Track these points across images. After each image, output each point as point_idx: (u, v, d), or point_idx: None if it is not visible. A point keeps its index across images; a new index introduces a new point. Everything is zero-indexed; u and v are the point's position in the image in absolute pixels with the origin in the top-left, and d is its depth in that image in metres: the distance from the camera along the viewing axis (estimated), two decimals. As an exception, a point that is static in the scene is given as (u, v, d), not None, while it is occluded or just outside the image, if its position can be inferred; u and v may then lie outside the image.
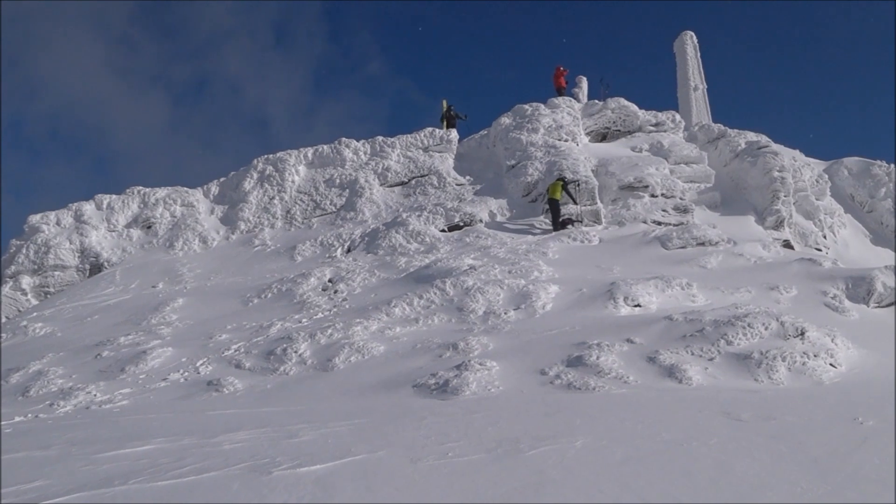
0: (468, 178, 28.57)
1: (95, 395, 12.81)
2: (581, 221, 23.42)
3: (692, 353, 11.71)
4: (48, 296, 26.61)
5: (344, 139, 31.12)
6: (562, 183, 23.53)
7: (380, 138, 31.00)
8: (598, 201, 24.42)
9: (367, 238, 24.72)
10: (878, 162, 33.90)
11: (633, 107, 31.38)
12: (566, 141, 28.41)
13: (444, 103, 33.60)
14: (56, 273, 27.53)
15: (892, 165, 33.32)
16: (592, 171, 25.64)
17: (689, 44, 42.03)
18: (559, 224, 23.18)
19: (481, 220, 24.74)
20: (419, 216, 24.86)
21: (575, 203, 23.81)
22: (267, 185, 29.78)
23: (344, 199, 28.54)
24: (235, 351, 14.85)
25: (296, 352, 14.17)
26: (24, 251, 27.80)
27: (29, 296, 27.00)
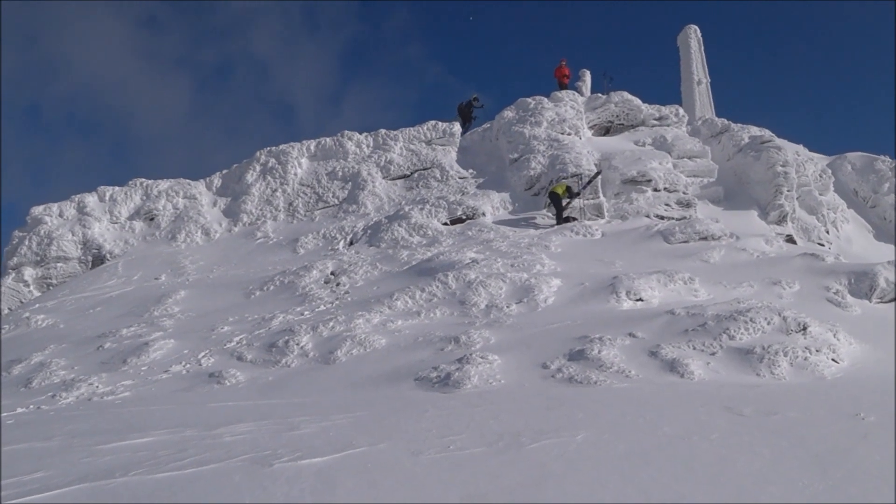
0: (471, 171, 28.54)
1: (97, 387, 12.83)
2: (577, 220, 23.37)
3: (694, 348, 11.69)
4: (50, 287, 26.65)
5: (346, 132, 31.13)
6: (567, 186, 23.52)
7: (382, 131, 30.99)
8: (601, 195, 24.39)
9: (369, 231, 24.71)
10: (882, 157, 33.85)
11: (637, 101, 31.32)
12: (569, 135, 28.40)
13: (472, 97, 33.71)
14: (58, 264, 27.56)
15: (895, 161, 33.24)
16: (595, 164, 25.60)
17: (693, 38, 41.89)
18: (562, 218, 23.17)
19: (484, 214, 24.73)
20: (422, 209, 24.85)
21: (577, 194, 23.76)
22: (269, 178, 29.79)
23: (346, 191, 28.53)
24: (237, 343, 14.85)
25: (297, 344, 14.17)
26: (26, 242, 27.82)
27: (31, 287, 27.03)
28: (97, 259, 27.49)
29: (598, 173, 24.56)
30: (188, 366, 13.83)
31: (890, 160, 33.41)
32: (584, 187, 23.94)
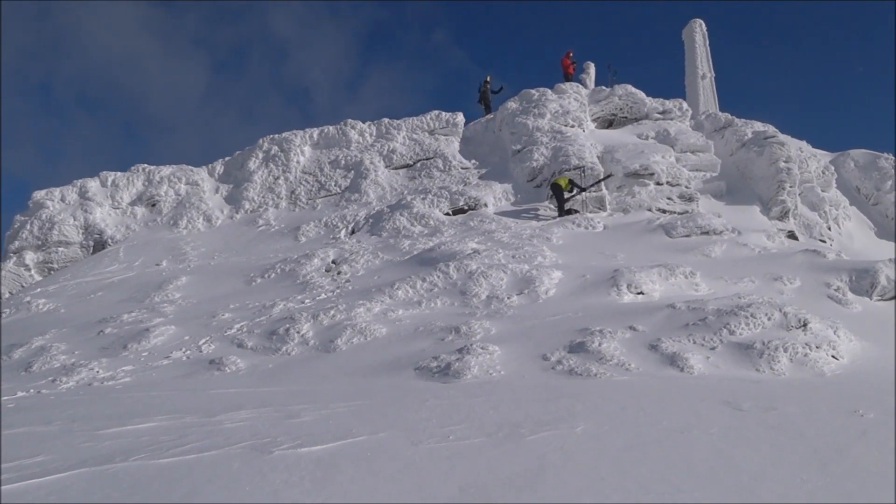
0: (473, 161, 28.54)
1: (98, 372, 12.84)
2: (578, 212, 23.34)
3: (694, 342, 11.71)
4: (52, 272, 26.67)
5: (350, 120, 31.12)
6: (570, 179, 23.49)
7: (385, 120, 30.97)
8: (604, 188, 24.38)
9: (371, 220, 24.71)
10: (885, 155, 33.80)
11: (641, 94, 31.29)
12: (572, 127, 28.39)
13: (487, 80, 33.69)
14: (60, 249, 27.59)
15: None
16: (598, 157, 25.59)
17: (699, 32, 41.83)
18: (564, 210, 23.17)
19: (486, 205, 24.72)
20: (424, 199, 24.85)
21: (582, 190, 23.74)
22: (272, 165, 29.79)
23: (349, 180, 28.53)
24: (238, 330, 14.87)
25: (298, 332, 14.19)
26: (28, 227, 27.85)
27: (32, 271, 27.07)
28: (98, 244, 27.52)
29: (608, 175, 24.55)
30: (189, 352, 13.85)
31: (893, 158, 33.36)
32: (592, 186, 23.91)
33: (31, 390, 11.64)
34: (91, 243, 27.71)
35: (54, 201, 28.77)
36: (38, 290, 21.94)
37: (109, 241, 27.33)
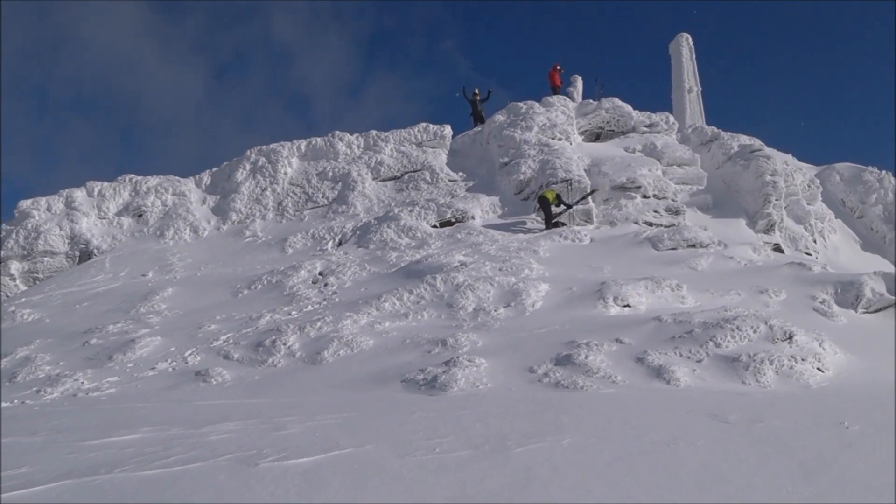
0: (461, 174, 28.58)
1: (83, 383, 12.78)
2: (565, 225, 23.38)
3: (680, 355, 11.75)
4: (37, 282, 26.52)
5: (338, 132, 31.09)
6: (557, 194, 23.54)
7: (373, 132, 30.96)
8: (591, 201, 24.45)
9: (358, 232, 24.70)
10: (870, 168, 34.10)
11: (628, 107, 31.44)
12: (560, 140, 28.47)
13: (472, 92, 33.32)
14: (45, 259, 27.43)
15: (885, 172, 33.45)
16: (585, 170, 25.69)
17: (685, 46, 42.10)
18: (551, 223, 23.22)
19: (473, 217, 24.75)
20: (411, 211, 24.86)
21: (570, 207, 23.78)
22: (259, 177, 29.73)
23: (336, 192, 28.50)
24: (224, 341, 14.82)
25: (285, 344, 14.15)
26: (13, 236, 27.68)
27: (17, 281, 26.90)
28: (84, 254, 27.39)
29: (593, 191, 24.62)
30: (174, 363, 13.80)
31: (878, 171, 33.63)
32: (578, 202, 23.98)
33: (16, 401, 11.58)
34: (77, 253, 27.58)
35: (40, 211, 28.62)
36: (23, 300, 21.81)
37: (95, 251, 27.21)
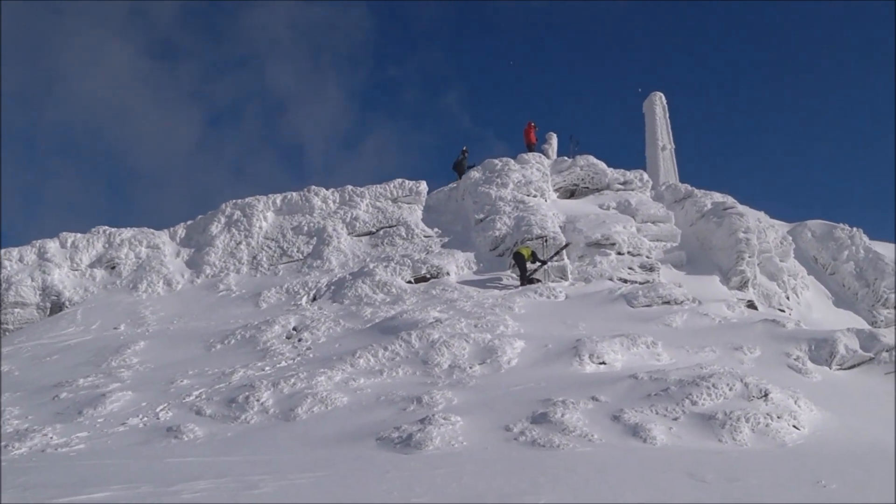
0: (436, 230, 28.64)
1: (52, 438, 12.56)
2: (540, 281, 23.44)
3: (657, 413, 11.73)
4: (7, 333, 26.14)
5: (314, 187, 31.13)
6: (532, 251, 23.64)
7: (349, 187, 31.03)
8: (565, 257, 24.55)
9: (333, 287, 24.62)
10: (841, 225, 34.43)
11: (602, 164, 31.74)
12: (535, 197, 28.65)
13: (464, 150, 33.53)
14: (16, 310, 27.07)
15: (856, 229, 33.83)
16: (560, 227, 25.85)
17: (658, 104, 42.68)
18: (526, 279, 23.26)
19: (448, 273, 24.73)
20: (386, 267, 24.82)
21: (544, 263, 23.87)
22: (234, 230, 29.63)
23: (311, 246, 28.44)
24: (196, 397, 14.63)
25: (258, 400, 13.99)
26: (-17, 288, 27.34)
27: (-14, 333, 26.52)
28: (56, 306, 27.07)
29: (566, 244, 24.77)
30: (146, 419, 13.60)
31: (849, 228, 34.02)
32: (552, 258, 24.10)
33: (-19, 458, 11.34)
34: (48, 305, 27.25)
35: (12, 261, 28.32)
36: (-8, 353, 21.49)
37: (67, 303, 26.91)
